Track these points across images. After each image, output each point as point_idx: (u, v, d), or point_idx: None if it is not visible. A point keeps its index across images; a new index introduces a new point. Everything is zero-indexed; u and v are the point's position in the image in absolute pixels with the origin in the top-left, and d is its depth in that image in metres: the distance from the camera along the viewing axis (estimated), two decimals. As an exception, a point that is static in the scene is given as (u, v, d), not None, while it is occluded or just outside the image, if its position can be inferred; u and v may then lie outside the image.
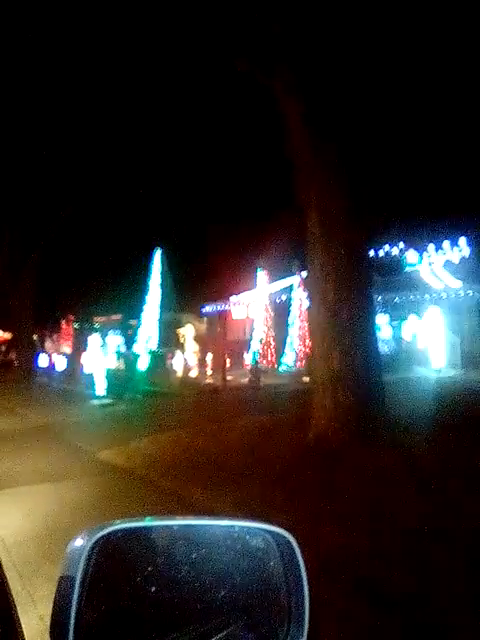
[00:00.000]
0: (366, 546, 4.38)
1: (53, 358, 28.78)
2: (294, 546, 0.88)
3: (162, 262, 28.06)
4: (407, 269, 23.45)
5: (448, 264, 22.19)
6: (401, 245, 24.33)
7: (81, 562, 0.75)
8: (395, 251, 24.35)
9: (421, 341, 19.91)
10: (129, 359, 21.42)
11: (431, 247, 23.04)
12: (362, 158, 8.74)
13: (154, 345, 26.24)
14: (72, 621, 0.72)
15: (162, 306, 27.82)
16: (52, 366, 27.64)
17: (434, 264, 22.56)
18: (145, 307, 27.90)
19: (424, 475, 6.13)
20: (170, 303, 28.72)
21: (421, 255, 23.55)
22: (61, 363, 26.95)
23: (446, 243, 22.67)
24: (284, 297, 23.71)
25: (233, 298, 25.66)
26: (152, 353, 23.94)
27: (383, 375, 8.74)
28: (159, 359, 23.27)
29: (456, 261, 22.16)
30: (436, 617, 3.32)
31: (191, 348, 24.28)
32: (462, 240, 22.31)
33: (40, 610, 3.19)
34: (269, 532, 0.89)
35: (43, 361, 28.77)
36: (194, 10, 8.78)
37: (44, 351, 30.99)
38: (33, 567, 4.26)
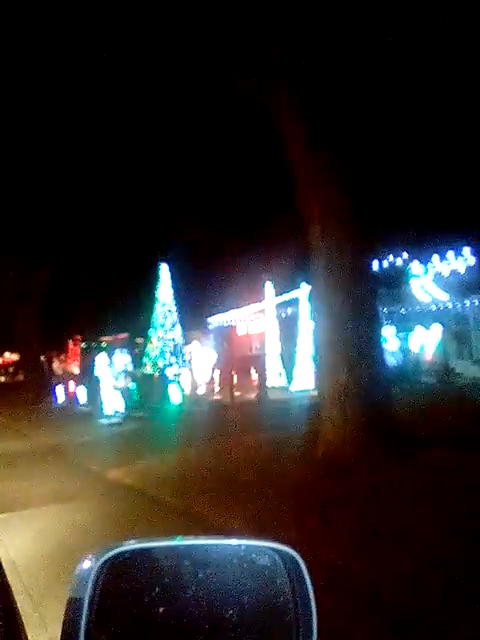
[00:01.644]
0: (376, 564, 4.34)
1: (72, 389, 24.82)
2: (301, 564, 0.88)
3: (168, 277, 27.73)
4: (408, 281, 23.79)
5: (437, 278, 22.87)
6: (405, 256, 24.36)
7: (89, 584, 0.76)
8: (399, 262, 24.41)
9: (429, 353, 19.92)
10: (137, 378, 21.40)
11: (436, 257, 23.08)
12: (364, 170, 8.79)
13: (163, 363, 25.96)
14: (81, 643, 0.73)
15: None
16: (75, 399, 23.67)
17: (423, 278, 23.15)
18: (155, 323, 27.12)
19: (435, 491, 6.07)
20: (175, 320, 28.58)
21: (426, 266, 23.58)
22: (82, 395, 23.03)
23: (451, 253, 22.71)
24: (290, 311, 23.70)
25: (239, 313, 25.69)
26: (160, 371, 23.90)
27: (391, 387, 8.72)
28: (166, 378, 23.19)
29: (446, 274, 22.70)
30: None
31: (198, 365, 24.25)
32: (466, 250, 22.33)
33: (51, 632, 3.18)
34: (275, 550, 0.90)
35: (60, 395, 25.21)
36: (193, 28, 8.91)
37: (59, 382, 28.03)
38: (43, 589, 4.24)
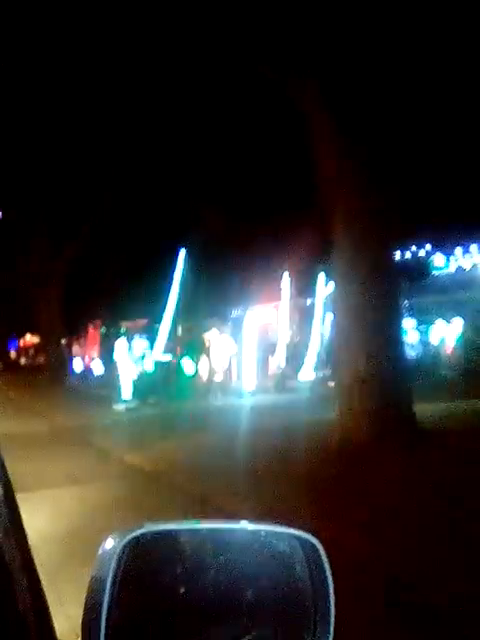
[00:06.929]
0: (393, 552, 4.35)
1: (89, 362, 27.90)
2: (320, 551, 0.89)
3: (186, 263, 27.68)
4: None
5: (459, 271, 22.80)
6: (428, 247, 24.16)
7: (112, 563, 0.78)
8: (422, 254, 24.23)
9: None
10: (155, 364, 21.50)
11: (459, 250, 22.86)
12: (389, 163, 8.70)
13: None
14: (103, 621, 0.74)
15: (187, 310, 27.56)
16: (89, 371, 26.79)
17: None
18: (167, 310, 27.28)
19: (451, 481, 6.05)
20: (193, 307, 28.55)
21: (448, 258, 23.37)
22: (98, 367, 26.01)
23: (474, 247, 22.49)
24: (309, 301, 23.66)
25: (257, 302, 25.63)
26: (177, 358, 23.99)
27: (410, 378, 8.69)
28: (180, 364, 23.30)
29: (468, 267, 22.56)
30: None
31: (216, 353, 24.28)
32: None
33: (67, 610, 3.22)
34: (296, 537, 0.90)
35: (78, 365, 28.22)
36: (220, 21, 8.83)
37: (77, 355, 30.54)
38: (60, 568, 4.31)
